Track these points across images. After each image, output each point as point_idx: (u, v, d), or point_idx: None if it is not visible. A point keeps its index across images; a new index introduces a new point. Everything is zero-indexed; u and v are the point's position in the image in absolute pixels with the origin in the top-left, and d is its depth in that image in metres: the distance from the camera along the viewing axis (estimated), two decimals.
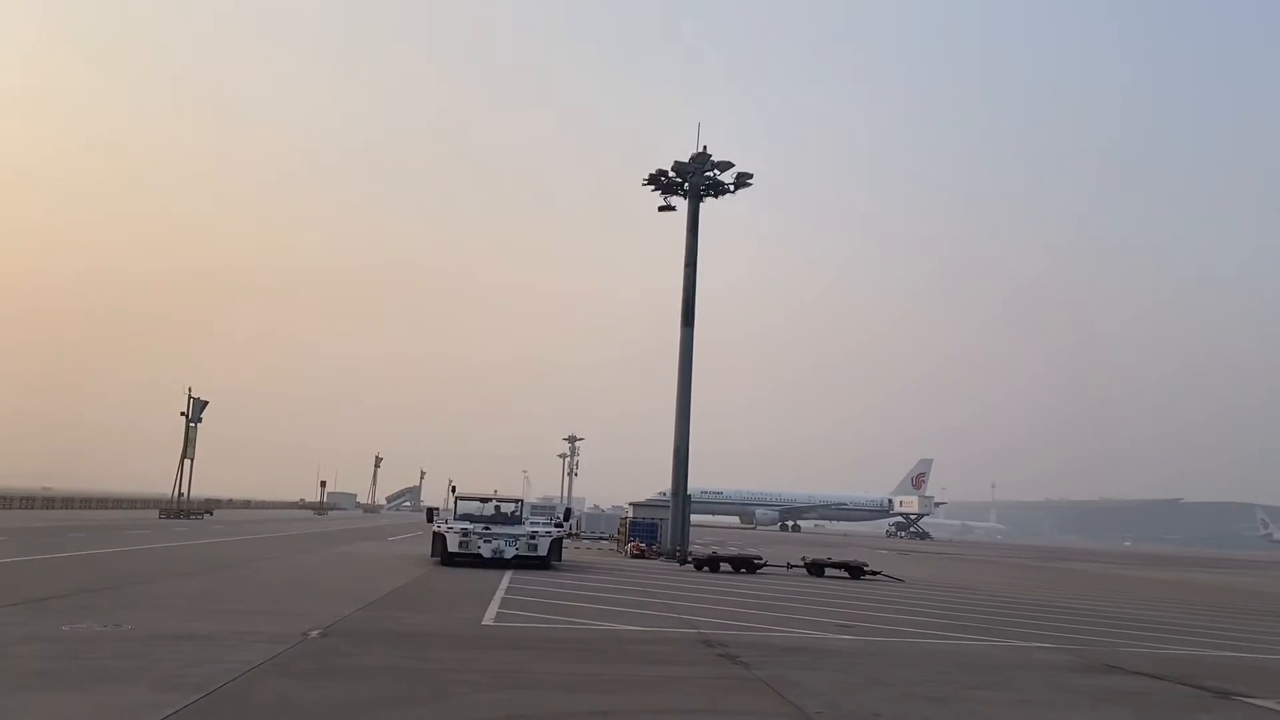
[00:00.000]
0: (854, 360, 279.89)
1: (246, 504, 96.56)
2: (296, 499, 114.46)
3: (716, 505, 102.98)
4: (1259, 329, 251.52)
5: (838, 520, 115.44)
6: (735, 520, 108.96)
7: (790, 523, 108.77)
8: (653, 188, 32.86)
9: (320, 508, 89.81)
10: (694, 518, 41.85)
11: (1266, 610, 21.57)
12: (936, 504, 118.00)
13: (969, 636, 13.12)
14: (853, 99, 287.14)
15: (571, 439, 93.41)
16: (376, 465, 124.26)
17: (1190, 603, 22.57)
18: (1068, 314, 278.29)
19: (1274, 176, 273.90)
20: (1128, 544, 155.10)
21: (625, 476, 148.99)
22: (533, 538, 21.55)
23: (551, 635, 11.48)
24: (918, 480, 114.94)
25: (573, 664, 9.22)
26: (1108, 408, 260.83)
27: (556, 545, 22.20)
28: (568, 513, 33.21)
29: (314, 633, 10.33)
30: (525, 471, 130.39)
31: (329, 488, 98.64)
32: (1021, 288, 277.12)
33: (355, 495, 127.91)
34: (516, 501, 25.22)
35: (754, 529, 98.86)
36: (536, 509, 42.50)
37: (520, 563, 21.30)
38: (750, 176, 32.32)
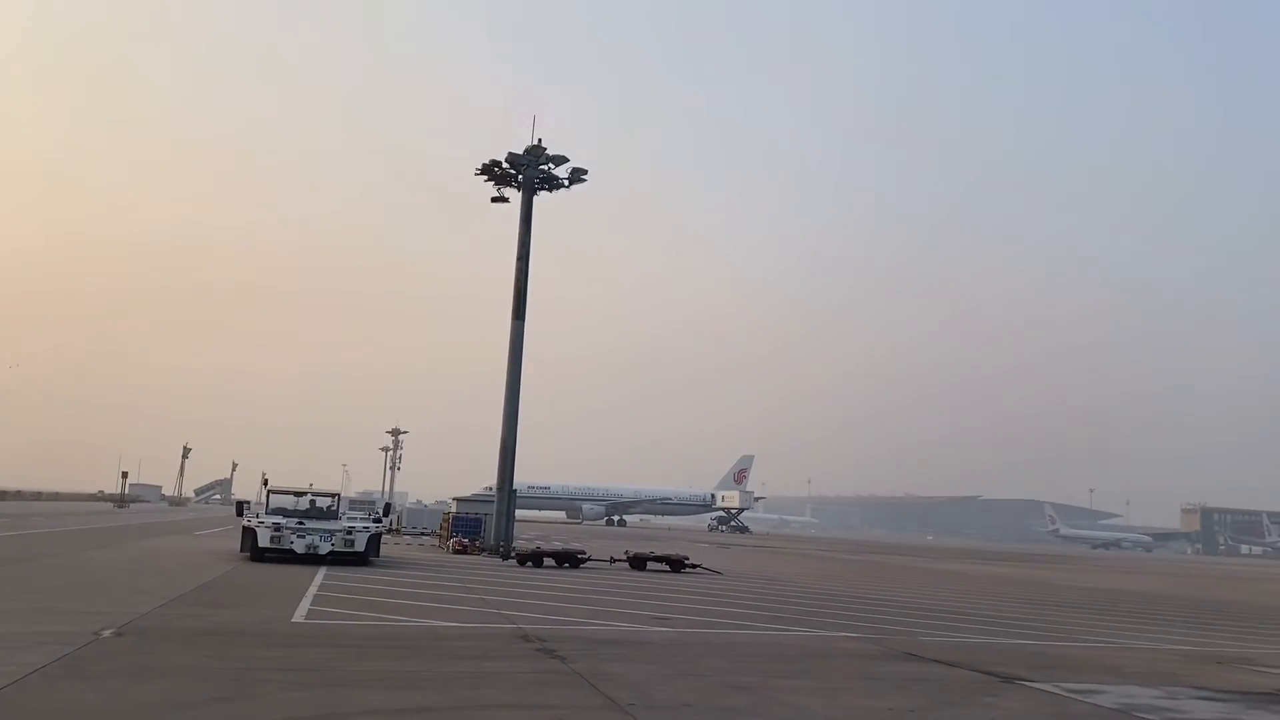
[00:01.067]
0: (681, 358, 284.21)
1: (37, 496, 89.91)
2: (95, 491, 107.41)
3: (543, 500, 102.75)
4: (1048, 340, 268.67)
5: (663, 515, 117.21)
6: (562, 515, 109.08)
7: (616, 517, 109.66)
8: (486, 178, 32.52)
9: (121, 500, 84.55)
10: (520, 513, 41.63)
11: (1052, 601, 23.24)
12: (756, 499, 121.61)
13: (779, 627, 13.61)
14: (689, 95, 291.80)
15: (395, 432, 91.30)
16: (184, 456, 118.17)
17: (984, 594, 24.08)
18: (884, 312, 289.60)
19: (1071, 190, 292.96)
20: (930, 538, 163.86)
21: (451, 472, 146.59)
22: (349, 533, 20.96)
23: (365, 632, 11.23)
24: (739, 475, 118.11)
25: (386, 661, 9.02)
26: (914, 407, 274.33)
27: (375, 541, 21.66)
28: (388, 508, 32.43)
29: (107, 632, 9.73)
30: (345, 465, 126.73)
31: (131, 479, 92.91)
32: (840, 286, 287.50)
33: (160, 488, 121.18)
34: (333, 496, 24.49)
35: (580, 524, 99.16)
36: (356, 504, 41.33)
37: (336, 559, 20.67)
38: (585, 172, 32.42)
